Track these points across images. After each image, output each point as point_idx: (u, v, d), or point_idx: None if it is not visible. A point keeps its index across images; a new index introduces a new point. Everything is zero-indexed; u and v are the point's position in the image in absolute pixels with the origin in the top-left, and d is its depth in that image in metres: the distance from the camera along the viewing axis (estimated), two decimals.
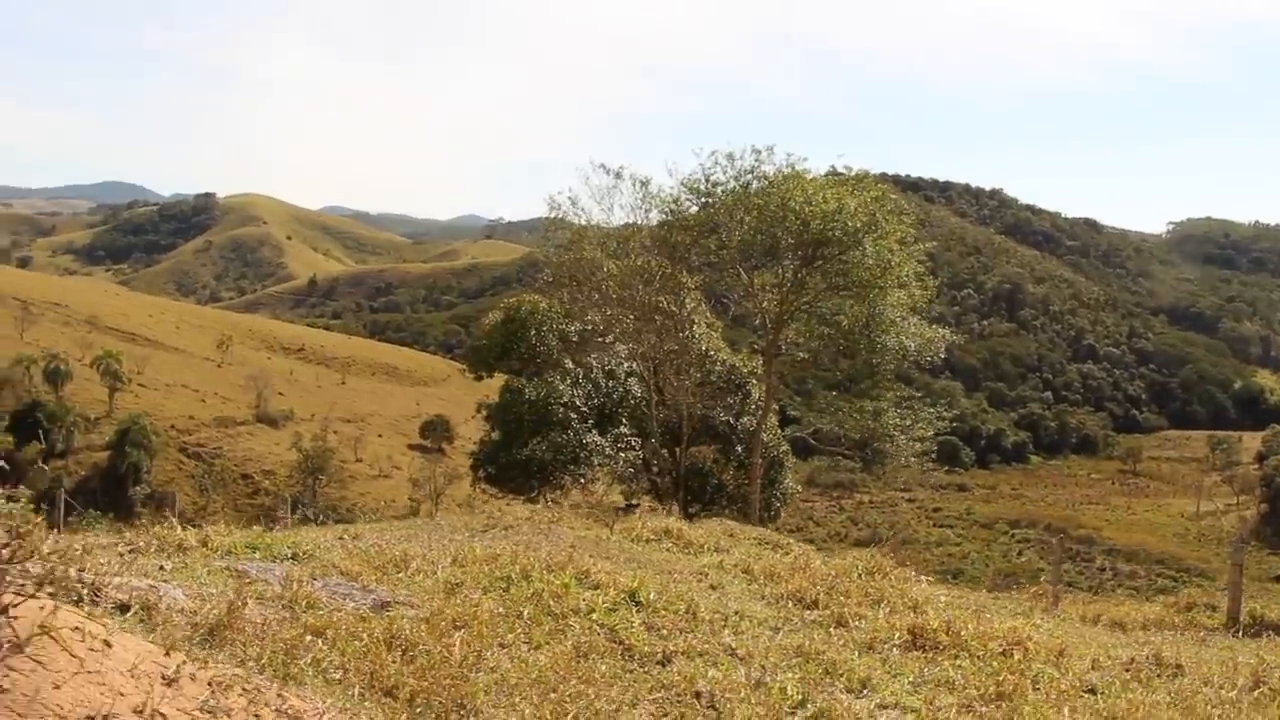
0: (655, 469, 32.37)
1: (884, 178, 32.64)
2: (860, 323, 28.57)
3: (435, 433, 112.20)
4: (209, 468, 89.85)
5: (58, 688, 3.65)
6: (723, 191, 29.60)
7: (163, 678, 4.10)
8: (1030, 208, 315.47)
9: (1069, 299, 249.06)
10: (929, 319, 30.53)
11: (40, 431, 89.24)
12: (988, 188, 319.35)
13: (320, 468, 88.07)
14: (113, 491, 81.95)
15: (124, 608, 6.27)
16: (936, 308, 30.70)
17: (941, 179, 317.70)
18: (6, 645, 3.68)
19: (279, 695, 4.73)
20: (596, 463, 30.60)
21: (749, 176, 29.49)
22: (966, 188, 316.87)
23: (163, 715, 3.85)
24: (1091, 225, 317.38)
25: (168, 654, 4.39)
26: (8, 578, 3.90)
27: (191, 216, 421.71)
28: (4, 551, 3.96)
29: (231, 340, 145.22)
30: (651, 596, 9.35)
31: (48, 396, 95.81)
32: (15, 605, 3.87)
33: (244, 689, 4.50)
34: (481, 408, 35.78)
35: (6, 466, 4.85)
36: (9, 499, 4.40)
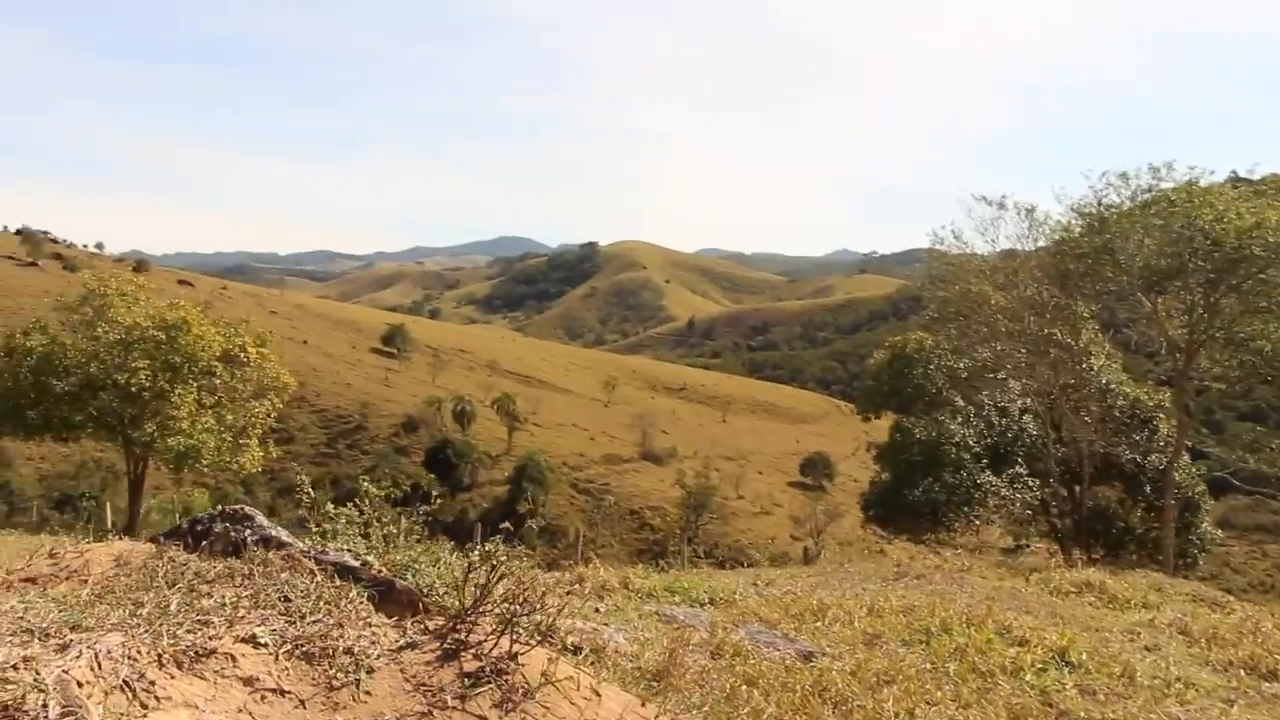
0: (1054, 510, 30.77)
1: None
2: None
3: (815, 470, 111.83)
4: (598, 503, 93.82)
5: None
6: (1117, 214, 27.78)
7: None
8: None
9: None
10: None
11: (450, 467, 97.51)
12: None
13: (703, 504, 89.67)
14: (512, 524, 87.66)
15: (576, 649, 6.69)
16: None
17: None
18: (520, 692, 4.02)
19: None
20: (991, 504, 29.58)
21: (1146, 195, 27.55)
22: None
23: None
24: None
25: (644, 705, 4.64)
26: (518, 629, 4.27)
27: (576, 265, 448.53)
28: (516, 606, 4.33)
29: (617, 381, 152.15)
30: (1083, 657, 8.85)
31: (456, 435, 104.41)
32: (522, 654, 4.23)
33: None
34: (871, 448, 35.54)
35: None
36: (516, 556, 4.82)
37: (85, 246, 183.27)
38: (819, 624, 9.46)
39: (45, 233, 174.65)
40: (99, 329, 30.99)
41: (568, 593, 10.00)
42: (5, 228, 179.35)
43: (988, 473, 30.07)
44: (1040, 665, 8.49)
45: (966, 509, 29.73)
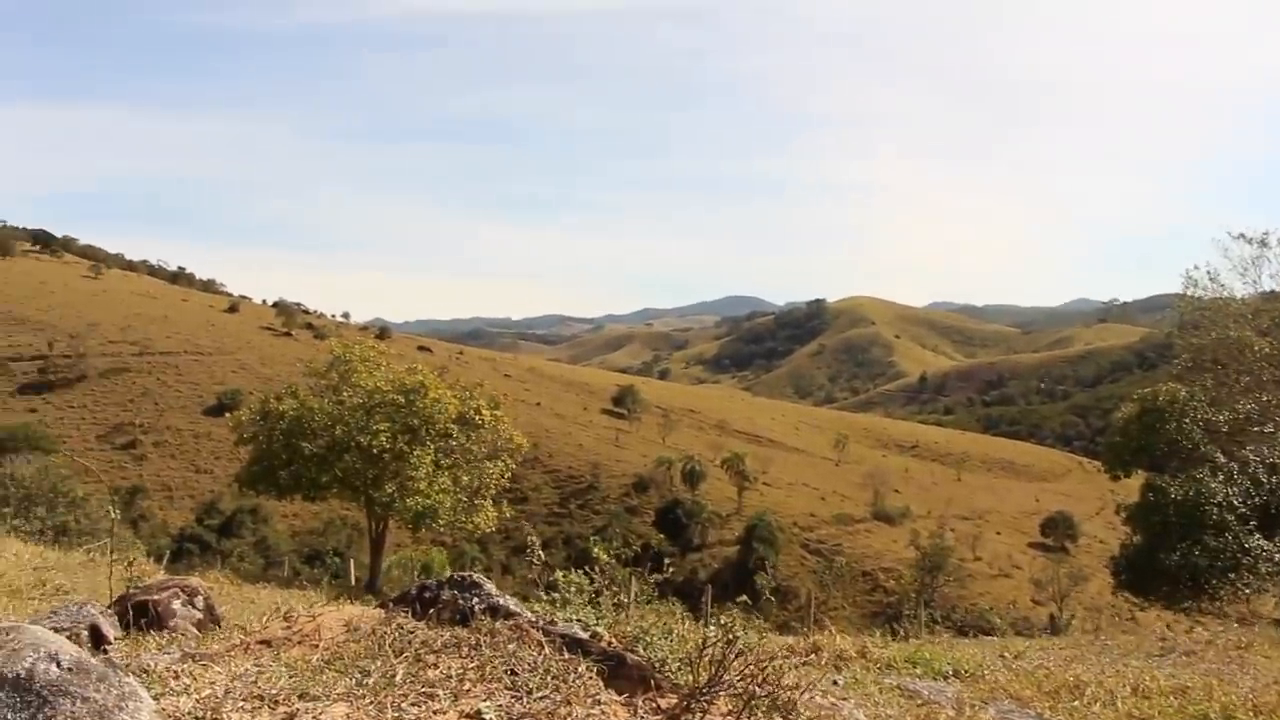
0: None
1: None
2: None
3: (1057, 530, 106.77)
4: (829, 564, 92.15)
5: None
6: None
7: None
8: None
9: None
10: None
11: (680, 527, 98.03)
12: None
13: (938, 566, 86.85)
14: (742, 584, 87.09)
15: None
16: None
17: None
18: None
19: None
20: (1263, 570, 27.13)
21: None
22: None
23: None
24: None
25: None
26: (756, 711, 3.95)
27: (804, 322, 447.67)
28: (754, 686, 4.02)
29: (847, 439, 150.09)
30: None
31: (685, 495, 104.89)
32: None
33: None
34: (1120, 508, 33.41)
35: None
36: (751, 627, 4.52)
37: (334, 316, 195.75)
38: (1076, 703, 8.67)
39: (298, 304, 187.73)
40: (344, 393, 32.58)
41: (803, 663, 9.59)
42: (264, 301, 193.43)
43: (1257, 536, 27.62)
44: None
45: (1233, 575, 27.40)
